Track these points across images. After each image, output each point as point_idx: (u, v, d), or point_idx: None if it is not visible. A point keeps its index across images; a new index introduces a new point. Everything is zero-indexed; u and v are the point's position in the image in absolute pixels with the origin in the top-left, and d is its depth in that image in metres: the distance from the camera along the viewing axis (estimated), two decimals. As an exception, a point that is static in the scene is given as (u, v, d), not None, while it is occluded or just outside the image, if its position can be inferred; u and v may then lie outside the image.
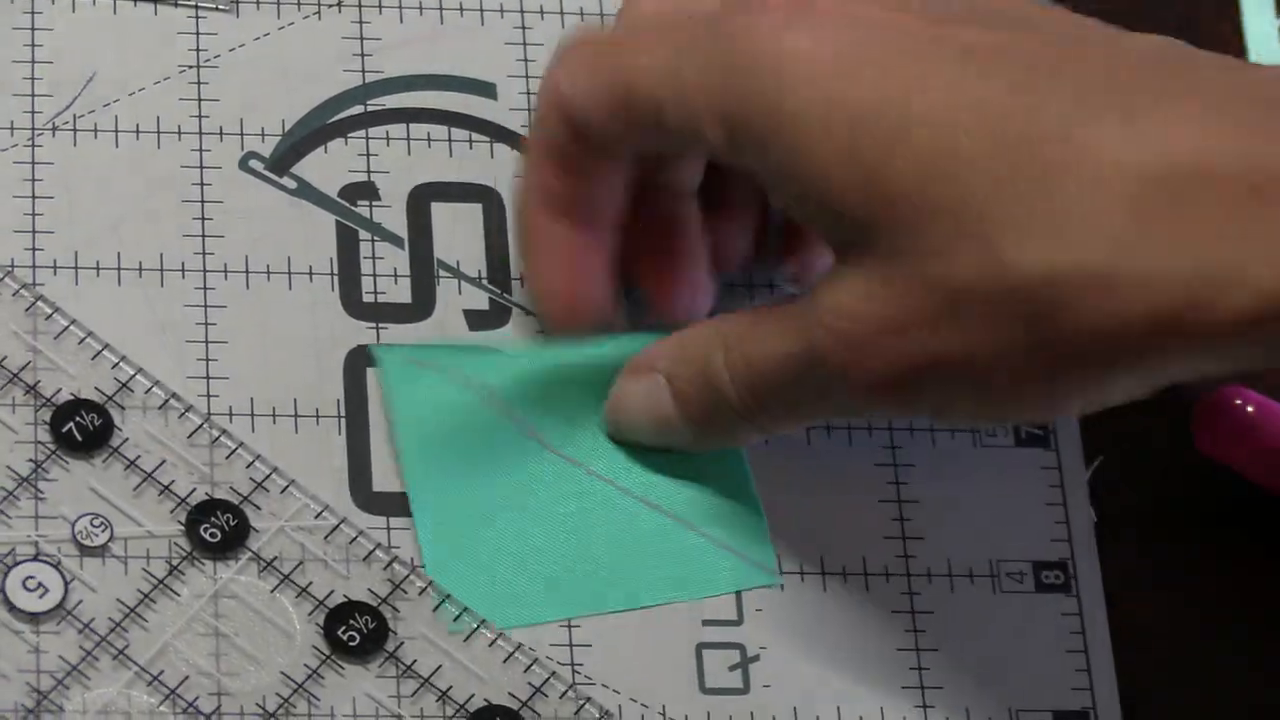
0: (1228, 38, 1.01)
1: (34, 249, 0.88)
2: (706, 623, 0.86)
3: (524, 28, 0.95)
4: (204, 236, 0.89)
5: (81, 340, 0.87)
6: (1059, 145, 0.75)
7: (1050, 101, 0.76)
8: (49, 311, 0.87)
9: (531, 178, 0.85)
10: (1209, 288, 0.72)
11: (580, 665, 0.84)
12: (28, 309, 0.87)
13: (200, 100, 0.91)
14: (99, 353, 0.87)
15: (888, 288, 0.77)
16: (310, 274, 0.89)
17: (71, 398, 0.86)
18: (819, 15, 0.78)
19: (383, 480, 0.86)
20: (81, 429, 0.85)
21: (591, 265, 0.86)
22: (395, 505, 0.85)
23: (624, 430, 0.87)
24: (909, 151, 0.76)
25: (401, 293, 0.89)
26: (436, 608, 0.84)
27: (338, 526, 0.85)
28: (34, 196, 0.88)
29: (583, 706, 0.83)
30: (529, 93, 0.93)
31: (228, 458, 0.86)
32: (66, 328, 0.87)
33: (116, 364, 0.87)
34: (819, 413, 0.85)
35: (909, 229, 0.76)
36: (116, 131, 0.90)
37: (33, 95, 0.90)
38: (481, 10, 0.95)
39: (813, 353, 0.79)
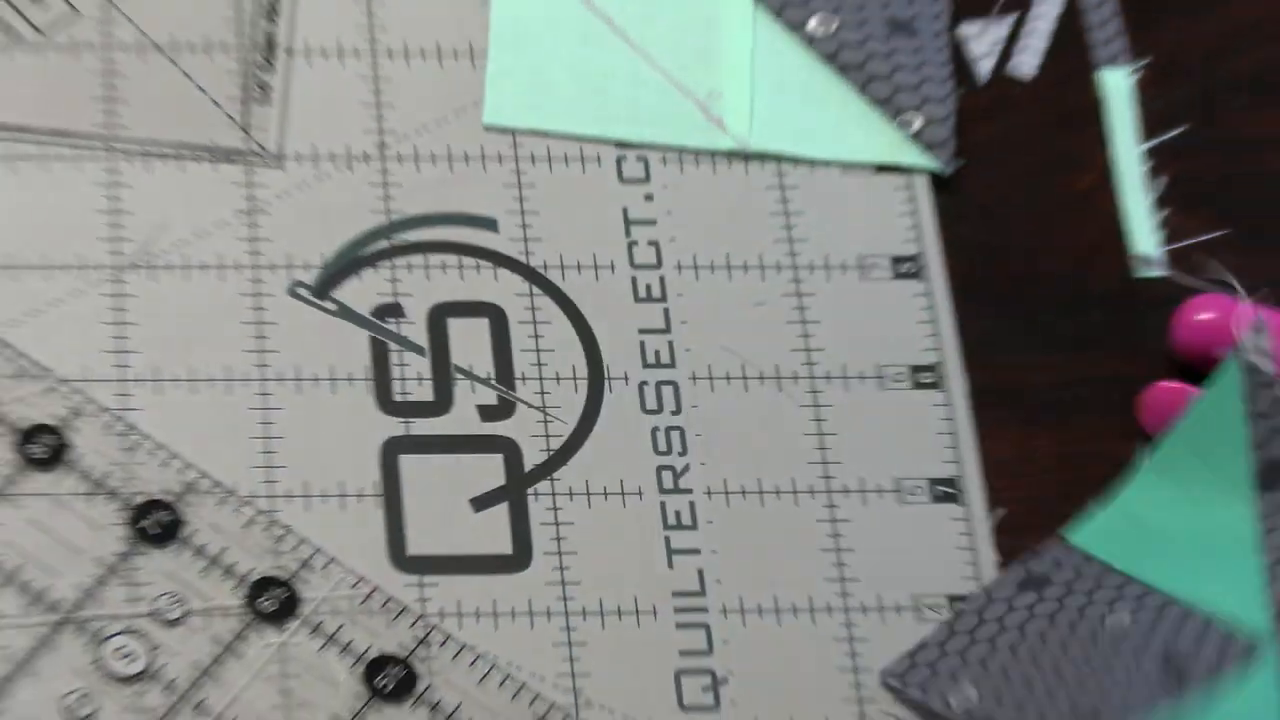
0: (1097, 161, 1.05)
1: (122, 366, 0.93)
2: (683, 653, 0.92)
3: (519, 172, 1.01)
4: (261, 352, 0.94)
5: (153, 450, 0.91)
6: None
7: None
8: (125, 429, 0.92)
9: None
10: None
11: (581, 689, 0.89)
12: (106, 427, 0.92)
13: (254, 240, 0.96)
14: (168, 460, 0.91)
15: None
16: (350, 379, 0.94)
17: (145, 499, 0.90)
18: None
19: (415, 546, 0.92)
20: (156, 524, 0.90)
21: None
22: (427, 566, 0.91)
23: None
24: None
25: (425, 393, 0.95)
26: (455, 656, 0.89)
27: (371, 594, 0.89)
28: (121, 324, 0.93)
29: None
30: (524, 225, 0.99)
31: (279, 540, 0.90)
32: (141, 441, 0.91)
33: (183, 469, 0.91)
34: None
35: None
36: (187, 267, 0.95)
37: (117, 239, 0.95)
38: (483, 158, 1.01)
39: None
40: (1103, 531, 0.94)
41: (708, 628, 0.92)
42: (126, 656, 0.87)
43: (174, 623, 0.88)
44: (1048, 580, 0.92)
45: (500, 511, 0.94)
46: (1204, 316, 0.98)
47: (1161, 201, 1.03)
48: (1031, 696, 0.90)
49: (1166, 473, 0.95)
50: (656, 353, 0.98)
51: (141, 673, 0.86)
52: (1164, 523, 0.93)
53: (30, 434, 0.91)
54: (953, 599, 0.94)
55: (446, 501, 0.93)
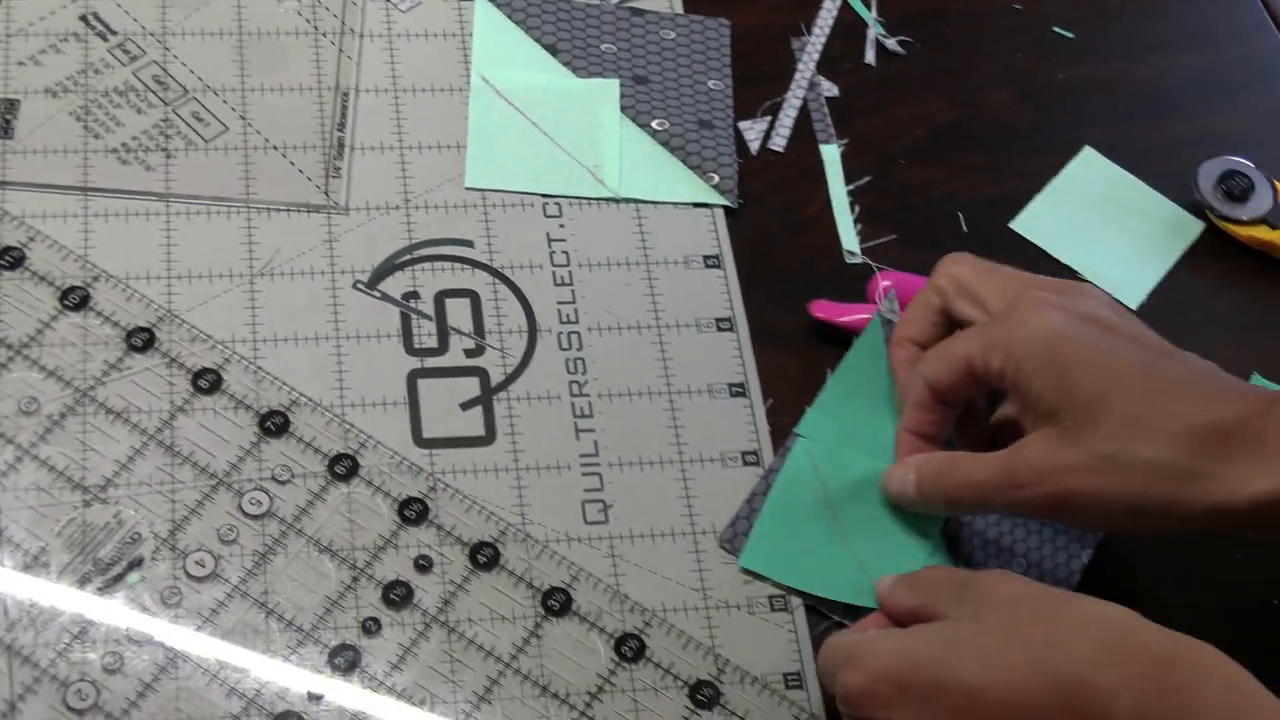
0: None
1: (254, 333, 0.88)
2: (585, 490, 0.86)
3: (486, 213, 0.94)
4: (336, 322, 0.89)
5: (273, 381, 0.87)
6: (1163, 399, 0.73)
7: (1164, 368, 0.74)
8: (256, 370, 0.87)
9: (910, 415, 0.82)
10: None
11: (525, 514, 0.85)
12: (245, 369, 0.87)
13: (332, 257, 0.91)
14: (282, 386, 0.87)
15: (1067, 445, 0.74)
16: (388, 336, 0.88)
17: (268, 410, 0.86)
18: (1058, 310, 0.76)
19: (427, 432, 0.86)
20: (273, 424, 0.86)
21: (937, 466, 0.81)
22: (435, 444, 0.85)
23: (884, 492, 0.83)
24: (1083, 380, 0.74)
25: (432, 342, 0.89)
26: (451, 497, 0.84)
27: (401, 461, 0.85)
28: (253, 308, 0.89)
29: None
30: (490, 243, 0.93)
31: (347, 431, 0.86)
32: (265, 376, 0.87)
33: (290, 391, 0.87)
34: (994, 511, 0.80)
35: (1086, 418, 0.73)
36: (292, 274, 0.90)
37: (252, 259, 0.90)
38: (465, 206, 0.94)
39: (1010, 476, 0.75)
40: (813, 422, 0.88)
41: (600, 475, 0.86)
42: (256, 503, 0.82)
43: (284, 483, 0.83)
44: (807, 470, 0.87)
45: (477, 411, 0.87)
46: (885, 284, 0.93)
47: (858, 220, 0.97)
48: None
49: (845, 385, 0.89)
50: (568, 314, 0.92)
51: (265, 513, 0.82)
52: (848, 416, 0.88)
53: (199, 374, 0.86)
54: (745, 454, 0.88)
55: (445, 405, 0.87)
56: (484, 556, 0.81)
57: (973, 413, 0.84)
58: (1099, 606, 0.70)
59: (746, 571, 0.82)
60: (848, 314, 0.91)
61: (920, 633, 0.73)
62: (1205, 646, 0.67)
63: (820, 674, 0.76)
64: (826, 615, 0.83)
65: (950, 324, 0.81)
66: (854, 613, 0.80)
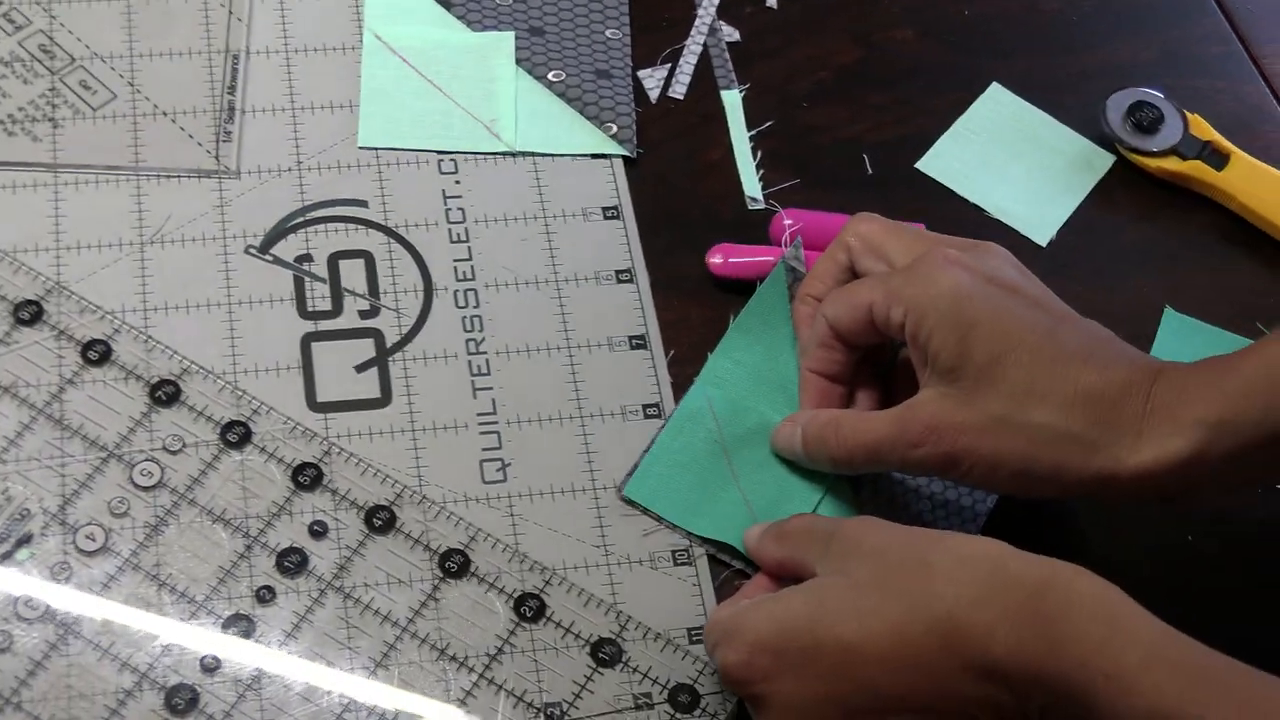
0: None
1: (144, 301, 0.87)
2: (484, 449, 0.86)
3: (380, 172, 0.94)
4: (229, 288, 0.88)
5: (163, 350, 0.85)
6: (1058, 365, 0.74)
7: (1061, 334, 0.75)
8: (147, 339, 0.87)
9: (813, 355, 0.82)
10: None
11: (423, 475, 0.85)
12: (135, 338, 0.86)
13: (224, 222, 0.90)
14: (173, 355, 0.85)
15: (962, 405, 0.74)
16: (281, 300, 0.88)
17: (159, 379, 0.85)
18: (964, 269, 0.76)
19: (321, 395, 0.85)
20: (164, 394, 0.85)
21: (833, 395, 0.83)
22: (329, 408, 0.85)
23: (775, 448, 0.84)
24: (982, 341, 0.74)
25: (326, 305, 0.88)
26: (346, 460, 0.83)
27: (295, 426, 0.85)
28: (144, 276, 0.88)
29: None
30: (384, 202, 0.92)
31: (239, 398, 0.85)
32: (155, 345, 0.87)
33: (182, 360, 0.85)
34: (886, 468, 0.80)
35: (982, 379, 0.74)
36: (183, 240, 0.89)
37: (142, 226, 0.89)
38: (359, 165, 0.93)
39: (903, 434, 0.75)
40: (715, 368, 0.88)
41: (499, 433, 0.85)
42: (147, 475, 0.81)
43: (176, 453, 0.82)
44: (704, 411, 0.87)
45: (373, 372, 0.86)
46: (787, 223, 0.93)
47: (760, 165, 0.96)
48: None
49: (747, 331, 0.89)
50: (464, 272, 0.91)
51: (157, 484, 0.81)
52: (749, 361, 0.88)
53: (89, 345, 0.85)
54: (646, 407, 0.87)
55: (340, 368, 0.86)
56: (380, 520, 0.80)
57: (875, 356, 0.84)
58: (970, 544, 0.69)
59: (630, 503, 0.82)
60: (747, 255, 0.91)
61: (791, 596, 0.72)
62: (1077, 571, 0.67)
63: (707, 652, 0.75)
64: (727, 565, 0.82)
65: None
66: (746, 557, 0.81)
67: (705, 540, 0.81)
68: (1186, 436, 0.72)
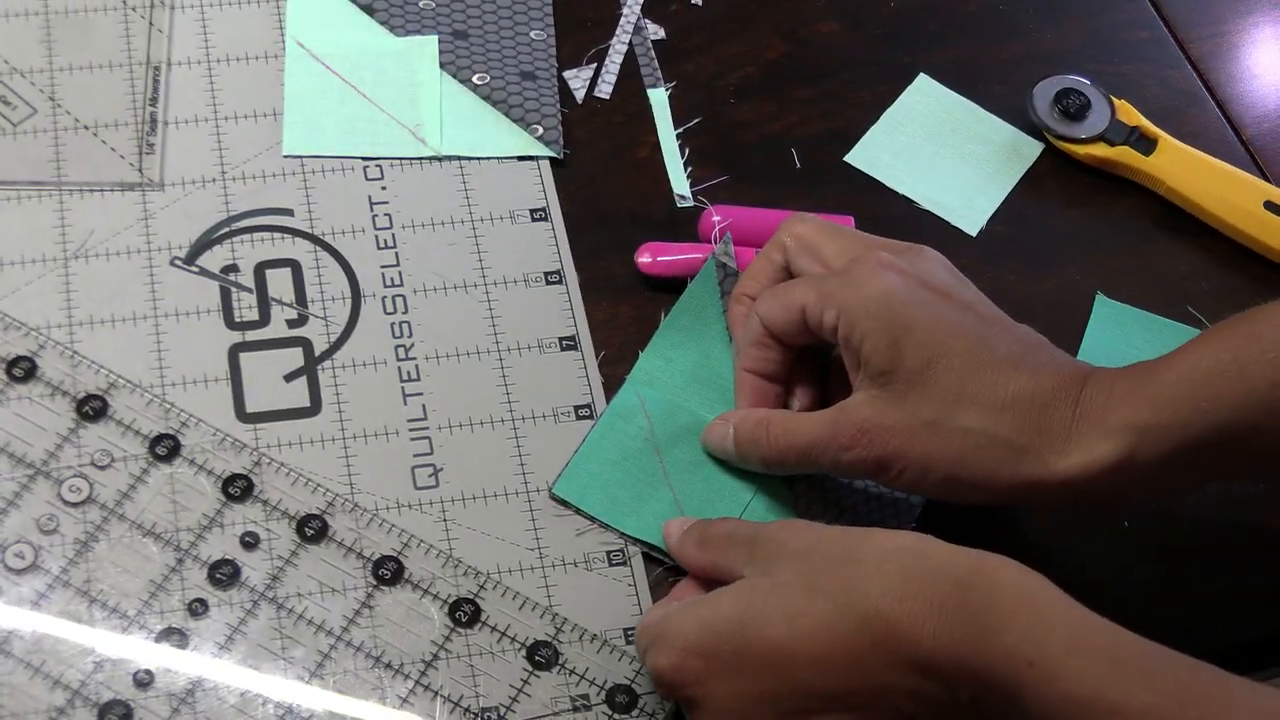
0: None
1: (70, 316, 0.87)
2: (415, 455, 0.85)
3: (305, 180, 0.93)
4: (155, 300, 0.88)
5: (89, 365, 0.85)
6: (989, 370, 0.75)
7: (993, 339, 0.76)
8: (72, 355, 0.86)
9: (747, 354, 0.82)
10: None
11: (354, 483, 0.85)
12: (61, 354, 0.86)
13: (149, 234, 0.90)
14: (99, 370, 0.85)
15: (893, 408, 0.75)
16: (208, 311, 0.88)
17: (85, 394, 0.85)
18: (897, 273, 0.77)
19: (251, 406, 0.85)
20: (91, 409, 0.85)
21: (769, 394, 0.83)
22: (258, 418, 0.85)
23: (706, 447, 0.84)
24: (914, 345, 0.75)
25: (253, 315, 0.88)
26: (277, 471, 0.83)
27: (225, 438, 0.85)
28: (68, 292, 0.88)
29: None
30: (310, 210, 0.92)
31: (167, 411, 0.85)
32: (81, 360, 0.86)
33: (108, 375, 0.86)
34: (818, 469, 0.79)
35: (914, 383, 0.74)
36: (108, 254, 0.89)
37: (65, 241, 0.89)
38: (284, 174, 0.93)
39: (835, 437, 0.76)
40: (646, 368, 0.89)
41: (430, 439, 0.85)
42: (76, 490, 0.81)
43: (104, 468, 0.82)
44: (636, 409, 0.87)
45: (302, 382, 0.86)
46: (716, 219, 0.93)
47: (688, 163, 0.96)
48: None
49: (678, 329, 0.89)
50: (392, 278, 0.90)
51: (85, 499, 0.81)
52: (680, 359, 0.88)
53: (13, 363, 0.85)
54: (578, 408, 0.87)
55: (268, 378, 0.86)
56: (311, 529, 0.80)
57: (812, 353, 0.84)
58: (895, 538, 0.70)
59: (560, 502, 0.83)
60: (675, 253, 0.91)
61: (719, 599, 0.72)
62: (1002, 561, 0.67)
63: (638, 655, 0.75)
64: (661, 563, 0.82)
65: None
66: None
67: (636, 540, 0.79)
68: (1114, 441, 0.73)
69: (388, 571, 0.80)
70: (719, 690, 0.69)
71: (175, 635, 0.77)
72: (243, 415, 0.83)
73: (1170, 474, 0.74)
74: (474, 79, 0.96)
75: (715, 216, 0.91)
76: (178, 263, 0.89)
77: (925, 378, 0.73)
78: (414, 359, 0.88)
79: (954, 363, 0.73)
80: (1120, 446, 0.71)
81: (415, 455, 0.84)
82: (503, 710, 0.77)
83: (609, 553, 0.82)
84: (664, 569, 0.82)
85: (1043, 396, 0.72)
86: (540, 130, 0.95)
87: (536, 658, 0.78)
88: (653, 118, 0.98)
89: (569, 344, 0.89)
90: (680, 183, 0.95)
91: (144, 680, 0.77)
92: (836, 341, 0.76)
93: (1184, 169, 0.96)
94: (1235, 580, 0.83)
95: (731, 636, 0.70)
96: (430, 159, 0.94)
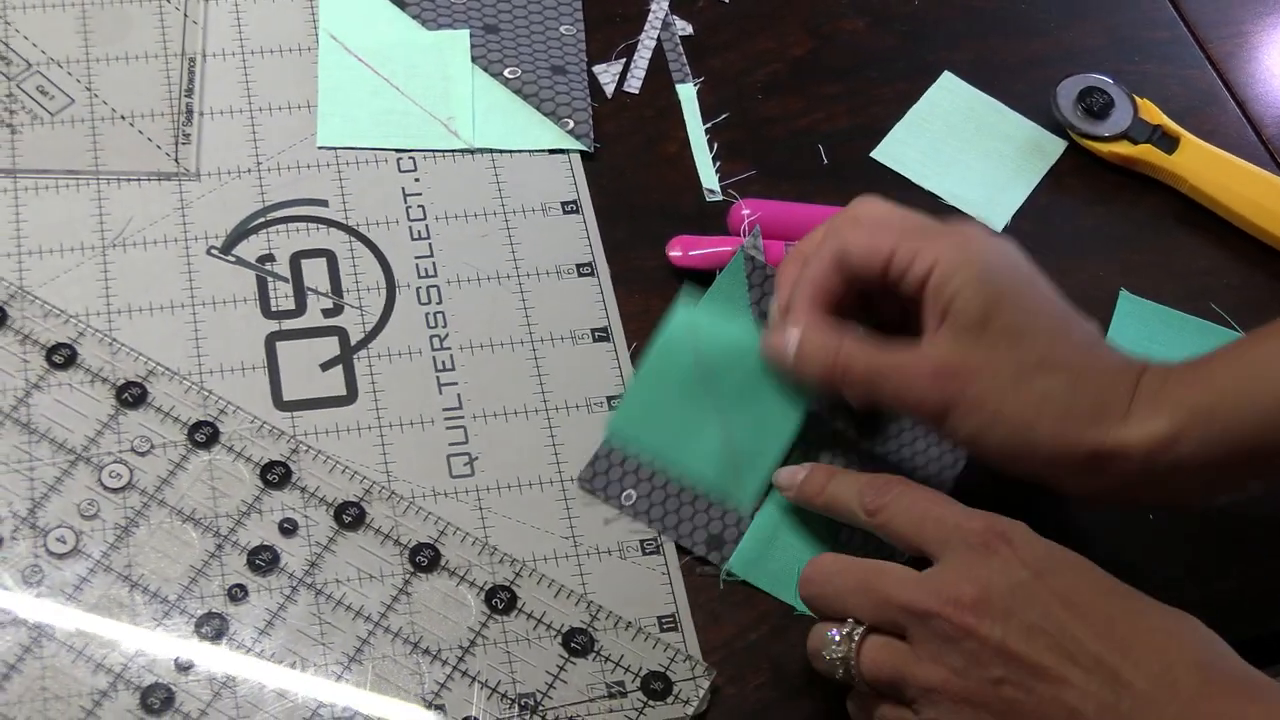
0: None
1: (108, 305, 0.88)
2: (450, 444, 0.86)
3: (339, 171, 0.94)
4: (192, 289, 0.89)
5: (129, 352, 0.86)
6: (1070, 346, 0.78)
7: (1070, 318, 0.79)
8: (111, 342, 0.87)
9: (815, 268, 0.80)
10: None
11: (391, 471, 0.85)
12: (100, 342, 0.87)
13: (185, 224, 0.90)
14: (139, 357, 0.86)
15: (979, 355, 0.76)
16: (244, 300, 0.88)
17: (125, 382, 0.85)
18: (996, 243, 0.79)
19: (288, 394, 0.86)
20: (131, 396, 0.86)
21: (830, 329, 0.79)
22: (295, 406, 0.85)
23: (764, 353, 0.83)
24: (1009, 308, 0.76)
25: (289, 304, 0.89)
26: (314, 458, 0.84)
27: (262, 425, 0.85)
28: (107, 280, 0.88)
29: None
30: (344, 201, 0.92)
31: (205, 398, 0.86)
32: (121, 347, 0.87)
33: (147, 362, 0.86)
34: (872, 398, 0.78)
35: (1002, 340, 0.76)
36: (145, 243, 0.90)
37: (104, 230, 0.90)
38: (319, 165, 0.94)
39: (913, 364, 0.76)
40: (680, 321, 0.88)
41: (465, 428, 0.86)
42: (116, 476, 0.82)
43: (144, 454, 0.82)
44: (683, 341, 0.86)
45: (338, 370, 0.87)
46: (746, 213, 0.93)
47: (716, 157, 0.97)
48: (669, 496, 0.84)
49: (705, 315, 0.88)
50: (426, 269, 0.91)
51: (126, 485, 0.81)
52: (701, 346, 0.87)
53: (53, 349, 0.85)
54: (610, 399, 0.88)
55: (305, 367, 0.86)
56: (349, 516, 0.81)
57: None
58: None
59: (585, 485, 0.83)
60: (706, 246, 0.91)
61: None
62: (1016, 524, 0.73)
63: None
64: (687, 551, 0.83)
65: None
66: (717, 542, 0.83)
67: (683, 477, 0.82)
68: (1168, 417, 0.75)
69: (425, 559, 0.81)
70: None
71: (215, 620, 0.78)
72: (280, 403, 0.84)
73: (1218, 463, 0.75)
74: (505, 73, 0.97)
75: (745, 211, 0.91)
76: (214, 252, 0.90)
77: (1013, 340, 0.74)
78: (449, 349, 0.88)
79: (1040, 334, 0.75)
80: (1173, 422, 0.73)
81: (450, 444, 0.85)
82: (539, 696, 0.77)
83: (642, 541, 0.83)
84: (689, 558, 0.82)
85: (1110, 375, 0.75)
86: (571, 124, 0.96)
87: (572, 644, 0.79)
88: (681, 113, 0.99)
89: (601, 335, 0.90)
90: (709, 177, 0.96)
91: (185, 664, 0.77)
92: (911, 294, 0.76)
93: (1206, 167, 0.97)
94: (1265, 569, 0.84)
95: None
96: (462, 152, 0.95)
